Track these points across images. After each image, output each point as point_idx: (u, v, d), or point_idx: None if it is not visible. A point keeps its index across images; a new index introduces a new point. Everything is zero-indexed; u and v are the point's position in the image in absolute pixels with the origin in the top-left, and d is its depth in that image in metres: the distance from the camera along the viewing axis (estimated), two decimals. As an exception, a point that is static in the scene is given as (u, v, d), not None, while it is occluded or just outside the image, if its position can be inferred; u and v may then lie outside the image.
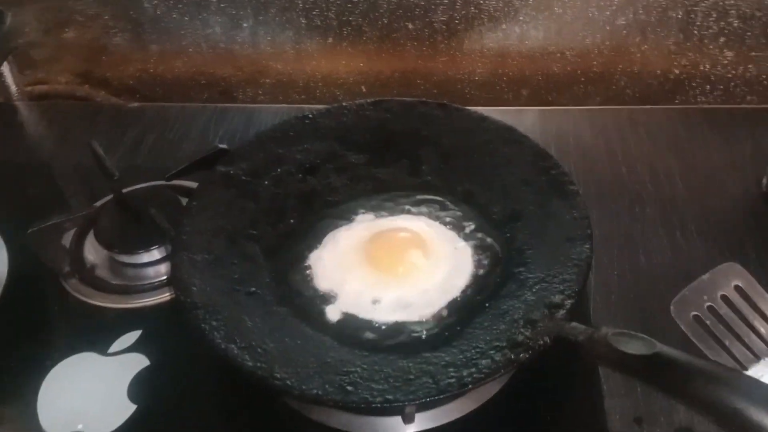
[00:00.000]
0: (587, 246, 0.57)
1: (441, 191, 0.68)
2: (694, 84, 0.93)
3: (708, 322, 0.61)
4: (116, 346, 0.64)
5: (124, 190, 0.77)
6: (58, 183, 0.88)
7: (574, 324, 0.50)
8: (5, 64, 1.00)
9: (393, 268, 0.60)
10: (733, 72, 0.91)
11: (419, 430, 0.56)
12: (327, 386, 0.49)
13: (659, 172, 0.79)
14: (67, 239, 0.74)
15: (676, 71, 0.92)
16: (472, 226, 0.64)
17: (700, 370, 0.43)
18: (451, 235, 0.64)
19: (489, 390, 0.58)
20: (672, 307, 0.62)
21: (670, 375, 0.44)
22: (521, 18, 0.90)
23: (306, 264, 0.62)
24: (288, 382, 0.50)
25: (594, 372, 0.59)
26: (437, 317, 0.57)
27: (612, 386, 0.58)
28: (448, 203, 0.67)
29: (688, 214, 0.73)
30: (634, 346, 0.45)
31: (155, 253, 0.71)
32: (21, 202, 0.84)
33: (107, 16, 1.00)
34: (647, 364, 0.44)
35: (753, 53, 0.89)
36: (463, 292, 0.59)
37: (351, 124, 0.73)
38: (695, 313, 0.61)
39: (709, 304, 0.62)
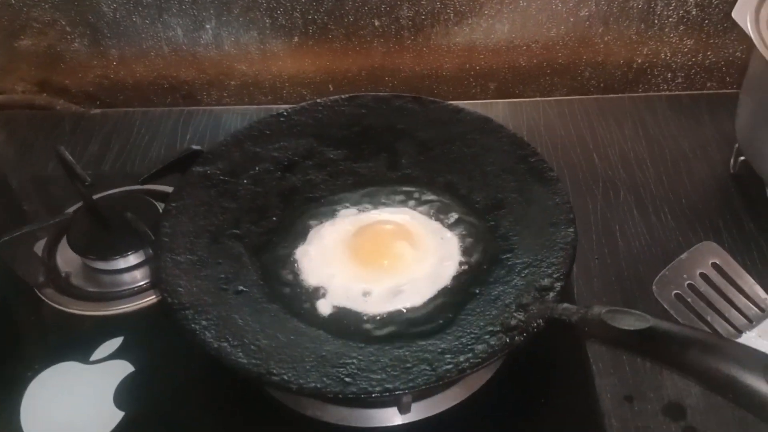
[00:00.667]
0: (571, 230, 0.58)
1: (422, 183, 0.68)
2: (656, 72, 0.95)
3: (689, 300, 0.62)
4: (98, 353, 0.63)
5: (96, 196, 0.75)
6: (23, 194, 0.86)
7: (566, 305, 0.51)
8: (-41, 74, 0.97)
9: (381, 260, 0.60)
10: (693, 59, 0.94)
11: (414, 419, 0.56)
12: (325, 379, 0.49)
13: (630, 158, 0.81)
14: (39, 248, 0.72)
15: (639, 60, 0.95)
16: (456, 216, 0.65)
17: (695, 340, 0.44)
18: (436, 225, 0.64)
19: (481, 377, 0.58)
20: (654, 287, 0.63)
21: (666, 347, 0.45)
22: (486, 12, 0.91)
23: (292, 260, 0.62)
24: (285, 377, 0.49)
25: (583, 353, 0.60)
26: (429, 306, 0.57)
27: (601, 366, 0.60)
28: (430, 194, 0.67)
29: (661, 197, 0.75)
30: (628, 322, 0.46)
31: (131, 259, 0.70)
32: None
33: (64, 22, 0.97)
34: (643, 338, 0.45)
35: (711, 40, 0.92)
36: (453, 280, 0.59)
37: (327, 120, 0.73)
38: (676, 291, 0.63)
39: (689, 282, 0.63)
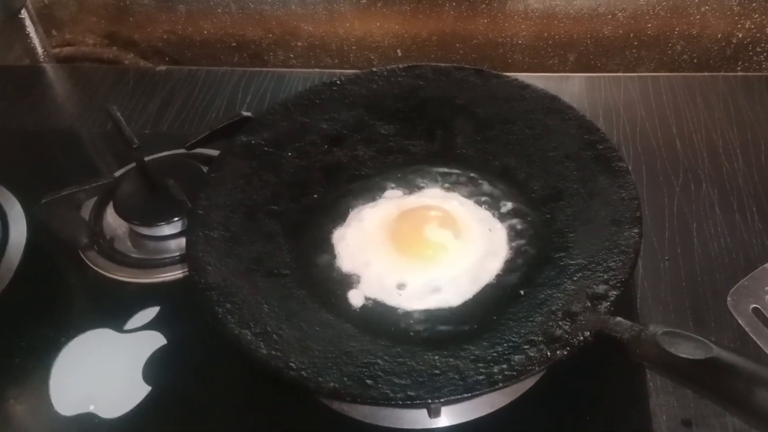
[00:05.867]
0: (636, 230, 0.52)
1: (476, 166, 0.63)
2: (758, 49, 0.86)
3: (769, 316, 0.55)
4: (133, 322, 0.62)
5: (147, 159, 0.73)
6: (84, 149, 0.85)
7: (618, 319, 0.45)
8: (31, 24, 0.97)
9: (421, 250, 0.56)
10: (805, 36, 0.84)
11: (447, 424, 0.53)
12: (345, 379, 0.46)
13: (718, 146, 0.73)
14: (87, 209, 0.72)
15: (739, 35, 0.85)
16: (509, 206, 0.59)
17: (764, 379, 0.38)
18: (486, 214, 0.59)
19: (524, 384, 0.53)
20: (729, 299, 0.57)
21: (728, 383, 0.39)
22: (569, -24, 0.83)
23: (329, 243, 0.58)
24: (303, 373, 0.46)
25: (640, 366, 0.54)
26: (468, 305, 0.53)
27: (659, 383, 0.54)
28: (483, 179, 0.62)
29: (749, 194, 0.67)
30: (687, 349, 0.41)
31: (176, 226, 0.68)
32: (45, 169, 0.82)
33: (132, -26, 0.96)
34: (702, 369, 0.40)
35: (827, 15, 0.81)
36: (497, 278, 0.54)
37: (381, 91, 0.68)
38: (755, 305, 0.56)
39: (772, 295, 0.56)
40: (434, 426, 0.53)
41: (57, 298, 0.66)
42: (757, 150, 0.72)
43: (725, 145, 0.73)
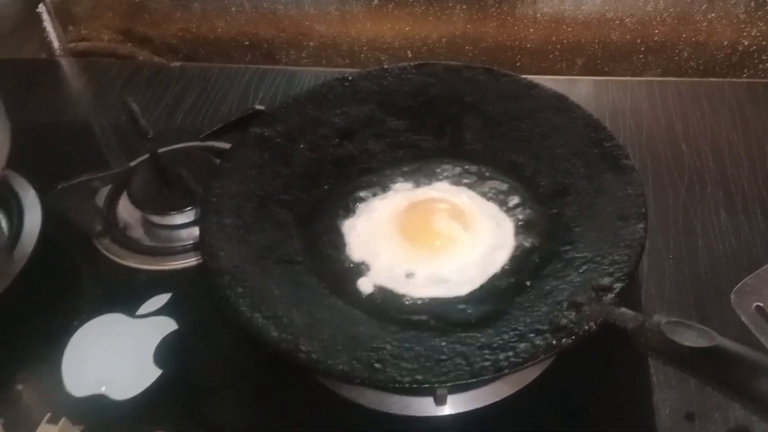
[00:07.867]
0: (641, 225, 0.53)
1: (484, 161, 0.64)
2: (764, 57, 0.87)
3: (772, 314, 0.56)
4: (145, 308, 0.63)
5: (160, 150, 0.75)
6: (98, 141, 0.87)
7: (623, 310, 0.46)
8: (48, 19, 0.99)
9: (430, 241, 0.57)
10: (809, 45, 0.85)
11: (452, 413, 0.53)
12: (354, 362, 0.47)
13: (723, 150, 0.73)
14: (101, 198, 0.73)
15: (745, 42, 0.86)
16: (517, 200, 0.60)
17: (765, 368, 0.39)
18: (494, 208, 0.60)
19: (528, 375, 0.54)
20: (732, 296, 0.57)
21: (731, 371, 0.40)
22: (579, -19, 0.85)
23: (339, 233, 0.59)
24: (313, 356, 0.47)
25: (643, 360, 0.55)
26: (475, 294, 0.54)
27: (662, 377, 0.54)
28: (491, 174, 0.63)
29: (753, 196, 0.68)
30: (691, 338, 0.41)
31: (188, 215, 0.69)
32: (59, 159, 0.83)
33: (149, -28, 0.98)
34: (705, 357, 0.40)
35: (832, 24, 0.82)
36: (504, 269, 0.55)
37: (392, 87, 0.69)
38: (758, 303, 0.57)
39: (774, 294, 0.57)
40: (440, 414, 0.53)
41: (71, 283, 0.67)
42: (762, 154, 0.72)
43: (730, 149, 0.73)
